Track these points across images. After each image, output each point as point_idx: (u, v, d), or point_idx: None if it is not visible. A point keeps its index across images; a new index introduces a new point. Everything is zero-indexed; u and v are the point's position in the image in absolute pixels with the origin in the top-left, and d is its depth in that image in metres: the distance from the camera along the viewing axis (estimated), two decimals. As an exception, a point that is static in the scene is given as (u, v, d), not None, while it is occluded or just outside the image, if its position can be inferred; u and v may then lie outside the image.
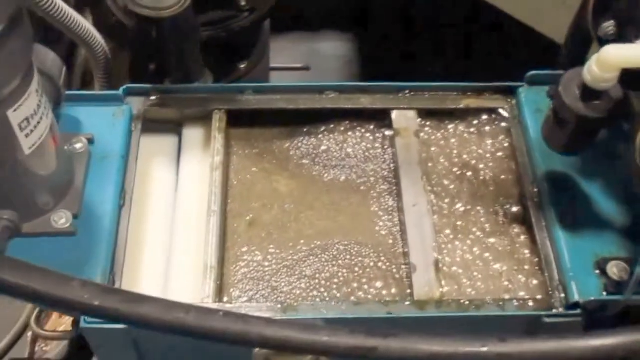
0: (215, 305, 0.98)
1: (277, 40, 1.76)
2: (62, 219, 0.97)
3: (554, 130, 0.98)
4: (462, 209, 1.11)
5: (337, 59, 2.13)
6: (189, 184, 1.14)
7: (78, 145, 1.04)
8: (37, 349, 1.88)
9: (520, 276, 1.05)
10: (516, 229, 1.09)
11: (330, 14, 2.19)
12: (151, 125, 1.16)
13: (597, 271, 0.99)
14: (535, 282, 1.04)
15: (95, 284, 0.90)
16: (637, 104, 0.92)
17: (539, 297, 1.02)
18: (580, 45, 1.18)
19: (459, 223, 1.10)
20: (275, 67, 1.77)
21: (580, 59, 1.10)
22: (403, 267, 1.06)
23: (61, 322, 1.92)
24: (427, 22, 2.07)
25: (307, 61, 2.00)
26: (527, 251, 1.07)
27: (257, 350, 1.02)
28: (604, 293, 0.97)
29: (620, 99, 0.92)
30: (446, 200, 1.12)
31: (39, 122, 0.88)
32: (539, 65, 1.18)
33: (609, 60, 0.87)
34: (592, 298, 0.97)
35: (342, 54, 2.14)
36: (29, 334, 1.89)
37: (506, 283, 1.04)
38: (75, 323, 1.17)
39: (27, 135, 0.87)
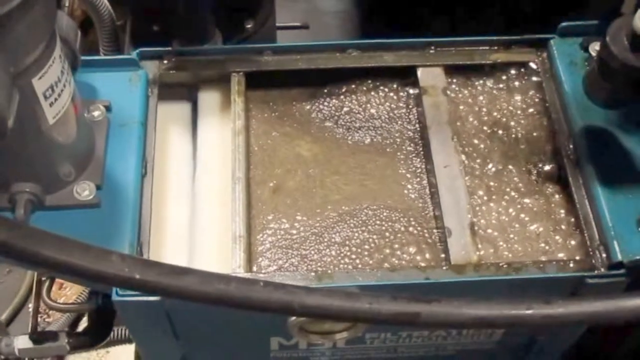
0: (248, 275, 0.95)
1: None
2: (85, 191, 0.93)
3: (599, 83, 0.94)
4: (494, 169, 1.07)
5: (336, 15, 2.08)
6: (209, 150, 1.09)
7: (96, 113, 0.99)
8: (39, 320, 1.86)
9: (557, 237, 1.02)
10: (550, 188, 1.06)
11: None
12: (165, 89, 1.11)
13: (640, 229, 0.96)
14: (573, 242, 1.01)
15: (134, 257, 0.86)
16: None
17: (578, 258, 0.99)
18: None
19: (491, 184, 1.06)
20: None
21: (614, 9, 1.06)
22: (435, 231, 1.03)
23: (61, 294, 1.89)
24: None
25: (304, 19, 1.93)
26: (562, 211, 1.04)
27: (292, 318, 0.99)
28: (649, 252, 0.94)
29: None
30: (477, 161, 1.08)
31: (62, 90, 0.83)
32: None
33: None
34: (637, 257, 0.94)
35: (341, 10, 2.09)
36: (30, 305, 1.86)
37: (543, 244, 1.01)
38: (93, 294, 1.15)
39: (51, 104, 0.82)
